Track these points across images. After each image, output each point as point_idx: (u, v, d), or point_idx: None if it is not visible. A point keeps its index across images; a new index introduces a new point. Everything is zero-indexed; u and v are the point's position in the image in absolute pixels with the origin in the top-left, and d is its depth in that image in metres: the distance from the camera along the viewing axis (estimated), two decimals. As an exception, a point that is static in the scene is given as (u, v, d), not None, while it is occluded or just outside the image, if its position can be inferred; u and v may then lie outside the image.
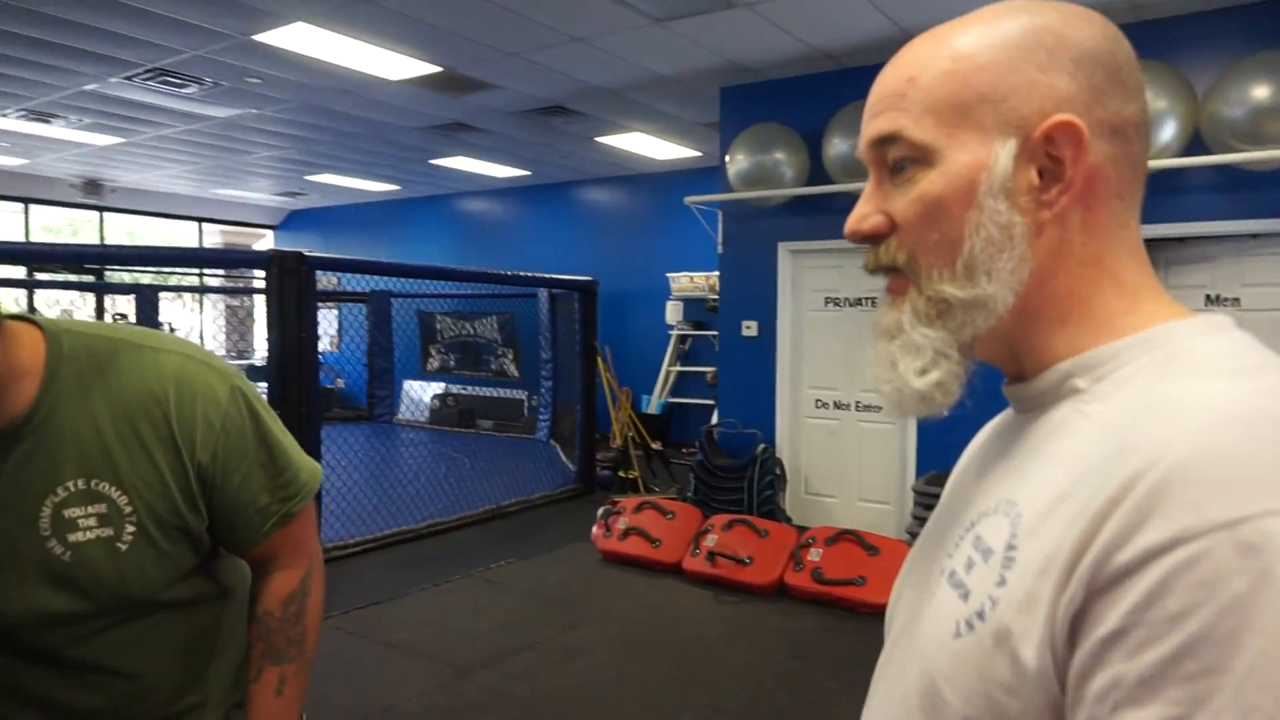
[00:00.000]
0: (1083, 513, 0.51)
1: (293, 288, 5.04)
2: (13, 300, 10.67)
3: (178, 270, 12.64)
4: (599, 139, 8.49)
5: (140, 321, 10.75)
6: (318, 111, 7.71)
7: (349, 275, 10.38)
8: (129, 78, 6.70)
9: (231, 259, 10.50)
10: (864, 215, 0.67)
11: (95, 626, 1.01)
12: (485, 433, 10.60)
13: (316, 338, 5.40)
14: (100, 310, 12.70)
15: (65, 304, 13.69)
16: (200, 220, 13.68)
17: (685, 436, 9.19)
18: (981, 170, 0.61)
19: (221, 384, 1.08)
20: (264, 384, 5.31)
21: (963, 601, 0.59)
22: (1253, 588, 0.44)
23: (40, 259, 9.08)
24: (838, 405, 6.01)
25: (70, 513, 0.98)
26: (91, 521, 0.98)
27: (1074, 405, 0.60)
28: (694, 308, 9.39)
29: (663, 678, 3.57)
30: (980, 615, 0.56)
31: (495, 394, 11.06)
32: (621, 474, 7.39)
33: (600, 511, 5.49)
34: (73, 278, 11.62)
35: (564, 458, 8.29)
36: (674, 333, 9.56)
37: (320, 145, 9.24)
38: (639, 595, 4.62)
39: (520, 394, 10.78)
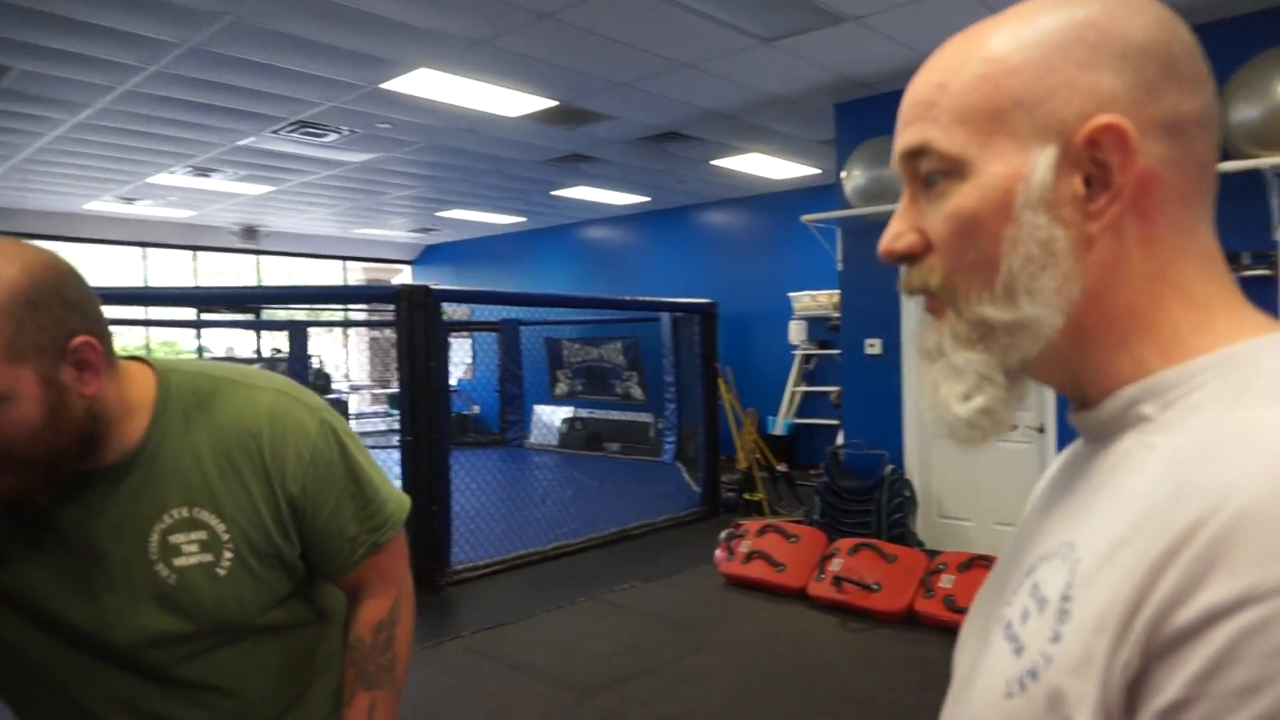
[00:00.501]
0: (1140, 562, 0.46)
1: (420, 319, 5.28)
2: (189, 336, 11.63)
3: (328, 306, 13.48)
4: (715, 162, 8.52)
5: (291, 353, 11.50)
6: (444, 151, 8.08)
7: (481, 306, 10.84)
8: (275, 131, 7.23)
9: (362, 294, 11.07)
10: (897, 234, 0.62)
11: (199, 647, 1.09)
12: (612, 455, 10.73)
13: (444, 367, 5.62)
14: (259, 345, 13.68)
15: (230, 341, 14.82)
16: (344, 259, 14.55)
17: (813, 458, 9.01)
18: (1018, 181, 0.56)
19: (311, 419, 1.14)
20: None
21: (1016, 657, 0.54)
22: None
23: (205, 301, 9.86)
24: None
25: (175, 539, 1.05)
26: (194, 548, 1.06)
27: (1140, 436, 0.54)
28: (817, 327, 9.23)
29: (783, 706, 3.49)
30: (1033, 674, 0.51)
31: (621, 417, 11.19)
32: (746, 496, 7.32)
33: (723, 534, 5.45)
34: (234, 316, 12.55)
35: (689, 480, 8.28)
36: (798, 353, 9.42)
37: (449, 182, 9.67)
38: (761, 620, 4.55)
39: (646, 417, 10.87)
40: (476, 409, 12.78)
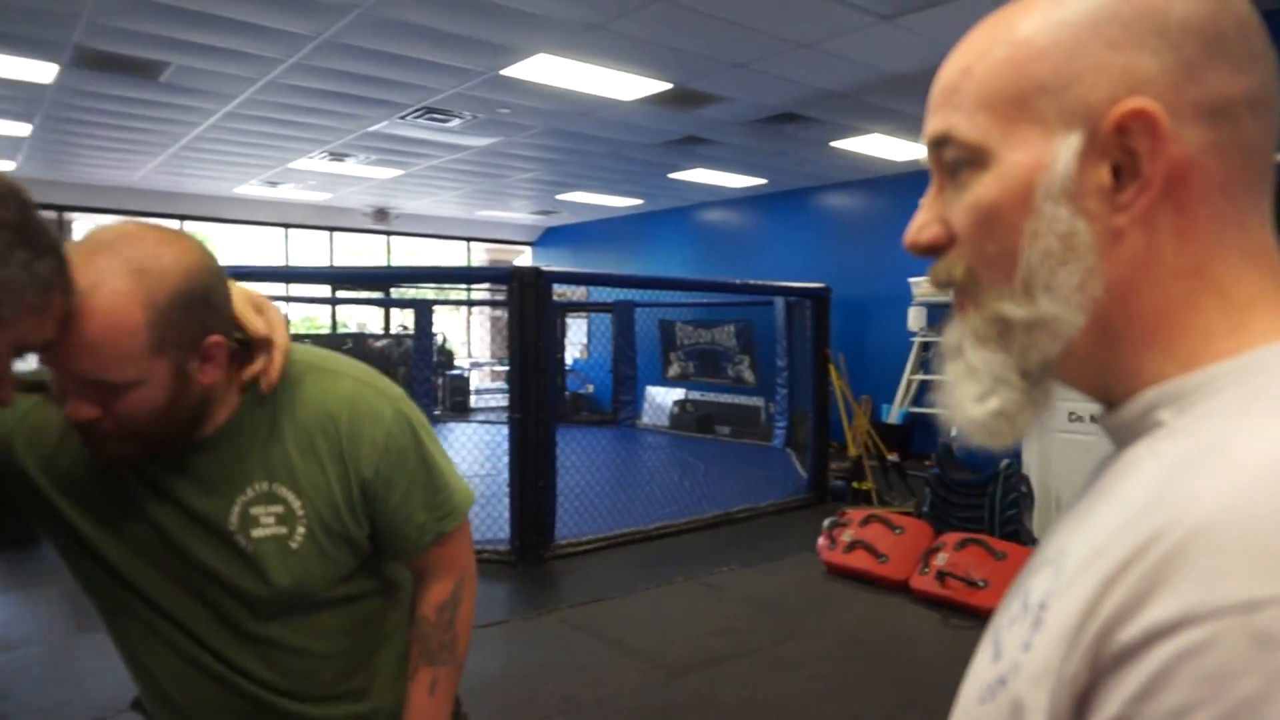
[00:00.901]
0: (1101, 573, 0.44)
1: (531, 300, 5.42)
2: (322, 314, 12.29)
3: (452, 286, 14.00)
4: (834, 143, 8.34)
5: (416, 330, 11.99)
6: (562, 135, 8.23)
7: (598, 287, 11.03)
8: (402, 117, 7.54)
9: (477, 275, 11.39)
10: (922, 225, 0.60)
11: (270, 610, 1.18)
12: (723, 438, 10.73)
13: (553, 346, 5.76)
14: (387, 322, 14.33)
15: (361, 318, 15.59)
16: (468, 240, 15.05)
17: (928, 448, 8.75)
18: (1039, 171, 0.53)
19: (388, 407, 1.21)
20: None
21: (993, 663, 0.53)
22: (1264, 691, 0.36)
23: (336, 280, 10.40)
24: (1094, 420, 5.45)
25: (255, 510, 1.15)
26: (270, 520, 1.15)
27: (1150, 442, 0.51)
28: (938, 313, 8.93)
29: (876, 698, 3.45)
30: (1003, 682, 0.50)
31: (733, 400, 11.17)
32: (855, 485, 7.19)
33: (826, 523, 5.38)
34: (365, 294, 13.19)
35: (798, 466, 8.20)
36: (916, 340, 9.15)
37: (567, 165, 9.84)
38: (860, 611, 4.49)
39: (757, 401, 10.81)
40: (591, 388, 13.01)
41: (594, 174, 10.33)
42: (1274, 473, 0.42)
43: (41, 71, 6.30)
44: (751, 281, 8.31)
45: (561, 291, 12.82)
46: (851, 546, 5.09)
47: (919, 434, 9.04)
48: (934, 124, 0.59)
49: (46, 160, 9.73)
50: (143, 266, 0.98)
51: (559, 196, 12.00)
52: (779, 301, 9.27)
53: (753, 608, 4.55)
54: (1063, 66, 0.53)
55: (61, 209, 11.77)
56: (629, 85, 6.48)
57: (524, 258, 15.66)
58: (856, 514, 5.35)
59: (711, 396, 11.44)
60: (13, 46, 5.77)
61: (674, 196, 11.76)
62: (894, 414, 9.19)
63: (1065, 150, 0.52)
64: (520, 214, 13.85)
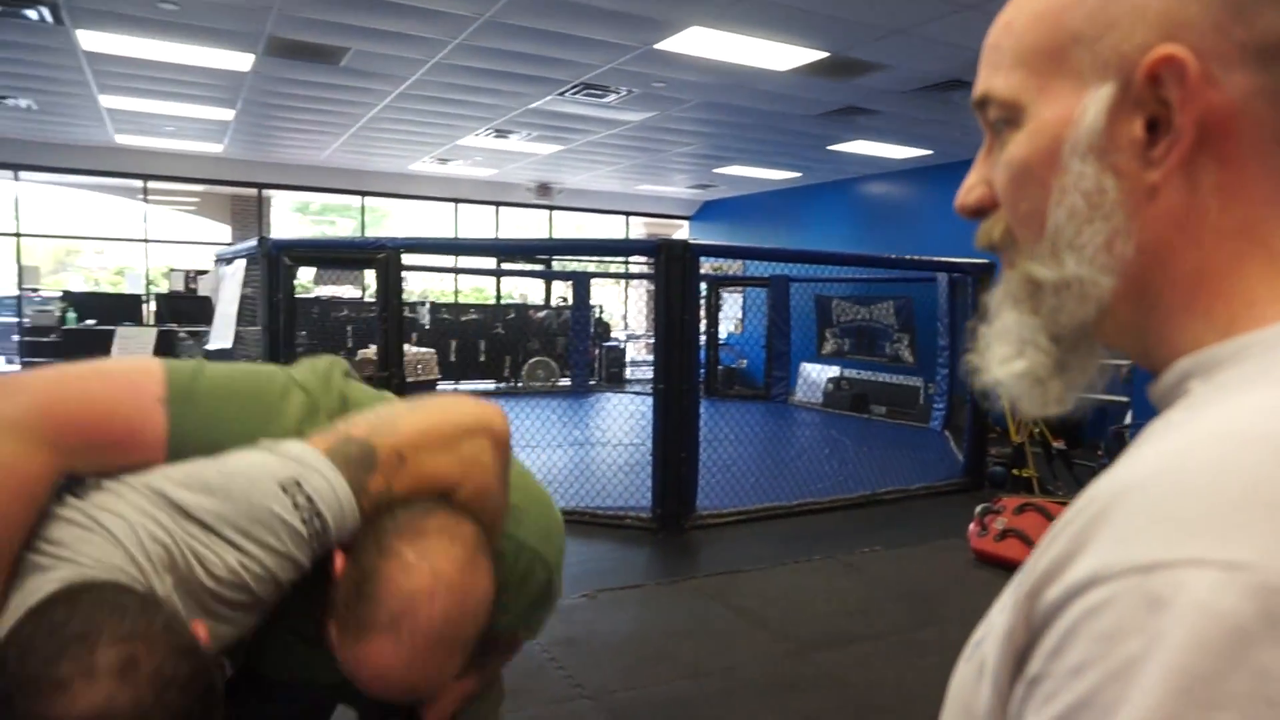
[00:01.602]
0: (1051, 536, 0.44)
1: (678, 273, 5.47)
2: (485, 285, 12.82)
3: (610, 259, 14.28)
4: (1005, 109, 7.87)
5: (575, 302, 12.33)
6: (717, 108, 8.19)
7: (755, 261, 10.94)
8: (561, 93, 7.74)
9: (624, 248, 11.51)
10: (969, 186, 0.60)
11: None
12: (877, 418, 10.45)
13: (699, 319, 5.80)
14: (548, 294, 14.81)
15: (524, 289, 16.18)
16: (628, 214, 15.29)
17: (1099, 436, 8.18)
18: (1067, 126, 0.50)
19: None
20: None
21: (983, 624, 0.53)
22: (1143, 653, 0.35)
23: (496, 251, 10.84)
24: None
25: None
26: None
27: (1169, 413, 0.49)
28: (1117, 292, 8.29)
29: (1015, 692, 3.30)
30: (979, 642, 0.51)
31: (889, 380, 10.83)
32: (1015, 472, 6.83)
33: (978, 509, 5.16)
34: (527, 266, 13.68)
35: (955, 450, 7.88)
36: (1092, 320, 8.54)
37: (723, 139, 9.79)
38: (1008, 602, 4.29)
39: (916, 381, 10.43)
40: (744, 363, 12.96)
41: (751, 147, 10.23)
42: (1214, 439, 0.41)
43: (240, 61, 6.91)
44: (913, 257, 8.00)
45: (718, 265, 12.80)
46: (1003, 535, 4.86)
47: (1092, 421, 8.45)
48: (977, 84, 0.58)
49: (247, 142, 10.66)
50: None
51: (716, 170, 11.96)
52: (942, 278, 8.88)
53: (892, 590, 4.45)
54: (1097, 14, 0.50)
55: (261, 186, 12.89)
56: (784, 55, 6.37)
57: (682, 232, 15.75)
58: (1011, 501, 5.10)
59: (867, 375, 11.15)
60: (215, 39, 6.36)
61: (833, 169, 11.47)
62: (1064, 399, 8.62)
63: (1094, 103, 0.50)
64: (678, 188, 13.91)
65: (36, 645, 0.77)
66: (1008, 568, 4.74)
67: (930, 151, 9.97)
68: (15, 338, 11.65)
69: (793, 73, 6.81)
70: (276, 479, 0.94)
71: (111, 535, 0.89)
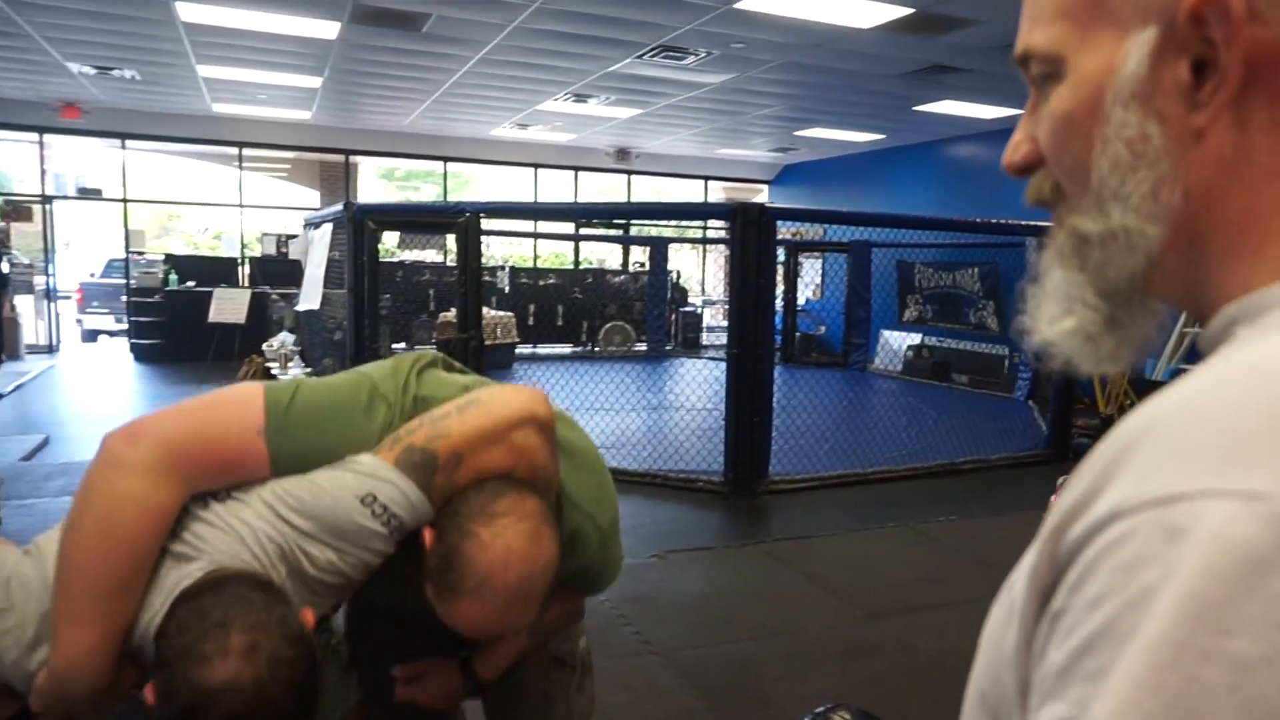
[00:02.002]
0: (1076, 476, 0.44)
1: (754, 237, 5.42)
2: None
3: (689, 224, 14.22)
4: (1103, 65, 7.50)
5: (652, 267, 12.32)
6: (798, 68, 8.02)
7: (836, 226, 10.74)
8: (640, 56, 7.70)
9: (699, 211, 11.42)
10: (1015, 144, 0.59)
11: None
12: (959, 387, 10.21)
13: (774, 285, 5.75)
14: (626, 258, 14.84)
15: (601, 254, 16.26)
16: (706, 179, 15.16)
17: (1197, 410, 7.83)
18: (1109, 74, 0.49)
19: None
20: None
21: (1018, 565, 0.53)
22: (1159, 582, 0.36)
23: (571, 215, 10.91)
24: None
25: None
26: None
27: (1211, 360, 0.48)
28: (1221, 258, 7.87)
29: (1091, 666, 3.23)
30: (1012, 585, 0.51)
31: (973, 348, 10.55)
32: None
33: (1060, 480, 5.02)
34: (605, 231, 13.73)
35: (1040, 420, 7.66)
36: (1192, 287, 8.14)
37: (805, 100, 9.60)
38: (1088, 576, 4.19)
39: (1001, 350, 10.14)
40: (823, 329, 12.80)
41: (833, 108, 10.00)
42: (1237, 374, 0.40)
43: (327, 29, 7.07)
44: (1000, 221, 7.74)
45: (798, 230, 12.62)
46: (1086, 507, 4.73)
47: (1188, 393, 8.09)
48: (1018, 40, 0.57)
49: (334, 109, 10.94)
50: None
51: (797, 133, 11.75)
52: (1030, 243, 8.58)
53: (966, 560, 4.38)
54: None
55: (347, 153, 13.22)
56: (867, 12, 6.19)
57: (761, 196, 15.55)
58: (1095, 473, 4.95)
59: (950, 343, 10.88)
60: (303, 8, 6.52)
61: (919, 130, 11.13)
62: (1160, 369, 8.26)
63: (1136, 49, 0.48)
64: (758, 151, 13.72)
65: (189, 626, 1.02)
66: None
67: (1021, 111, 9.54)
68: (123, 298, 12.30)
69: (877, 30, 6.61)
70: (356, 494, 1.16)
71: (238, 535, 1.14)
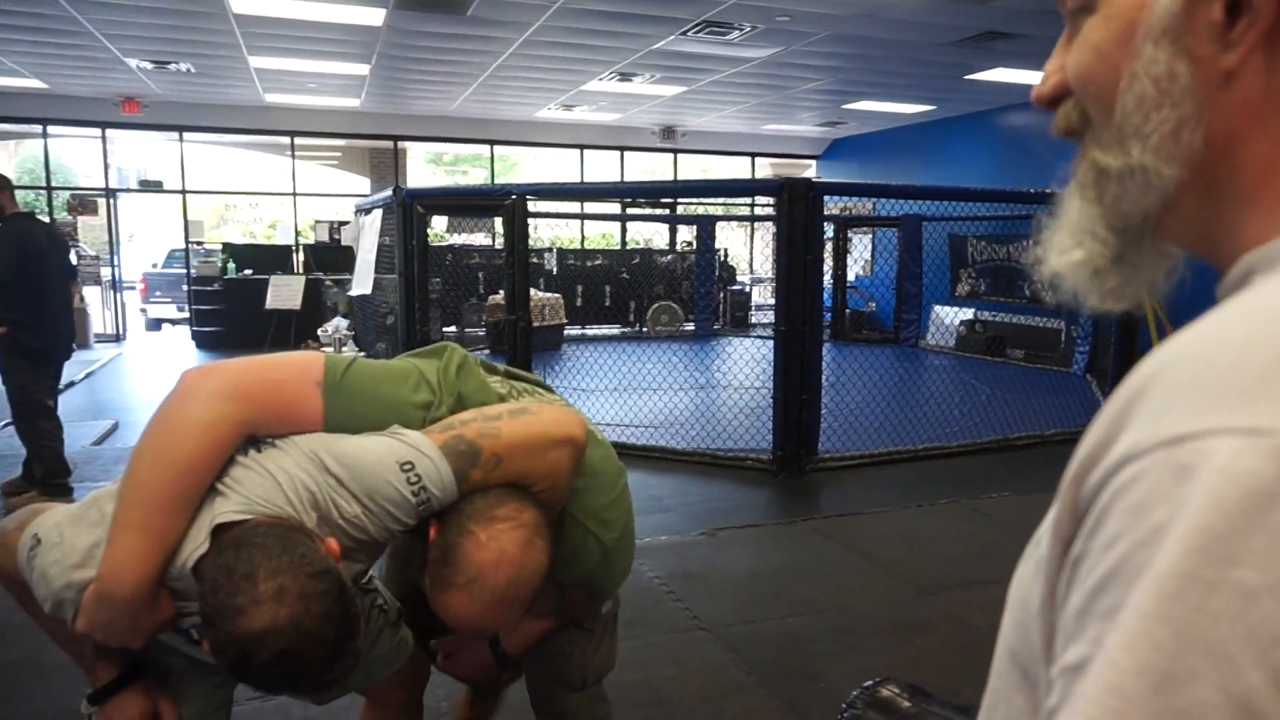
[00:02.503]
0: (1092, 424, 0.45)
1: (800, 212, 5.37)
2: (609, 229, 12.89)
3: (735, 201, 14.12)
4: (1164, 26, 7.23)
5: (698, 246, 12.25)
6: (845, 40, 7.89)
7: (886, 200, 10.57)
8: (684, 33, 7.64)
9: (745, 187, 11.31)
10: (1046, 75, 0.59)
11: None
12: (1014, 362, 10.01)
13: (823, 260, 5.68)
14: (673, 237, 14.80)
15: (648, 234, 16.23)
16: (753, 155, 15.01)
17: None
18: (1142, 9, 0.49)
19: None
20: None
21: (1044, 521, 0.53)
22: (1169, 519, 0.36)
23: (617, 195, 10.91)
24: None
25: None
26: None
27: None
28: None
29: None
30: (1038, 540, 0.51)
31: (1029, 322, 10.33)
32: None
33: (1118, 455, 4.92)
34: (651, 211, 13.68)
35: (1098, 395, 7.49)
36: (1260, 255, 7.85)
37: (853, 73, 9.44)
38: (1147, 552, 4.10)
39: (1057, 323, 9.91)
40: (873, 306, 12.64)
41: (882, 80, 9.82)
42: (1244, 315, 0.41)
43: (372, 16, 7.15)
44: (1056, 190, 7.54)
45: (847, 206, 12.44)
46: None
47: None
48: None
49: (382, 96, 11.07)
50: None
51: (846, 106, 11.56)
52: (1087, 213, 8.36)
53: (1019, 535, 4.28)
54: None
55: (395, 139, 13.37)
56: (915, -21, 6.05)
57: (809, 172, 15.35)
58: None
59: (1004, 317, 10.66)
60: (350, -6, 6.60)
61: (970, 100, 10.87)
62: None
63: None
64: (806, 126, 13.54)
65: (220, 585, 1.09)
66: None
67: (1078, 77, 9.30)
68: (184, 287, 12.66)
69: (925, -2, 6.47)
70: (397, 459, 1.24)
71: (274, 479, 1.21)
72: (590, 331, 12.21)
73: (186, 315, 12.67)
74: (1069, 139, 0.59)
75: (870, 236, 12.67)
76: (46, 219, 9.42)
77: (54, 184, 12.52)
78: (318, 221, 12.86)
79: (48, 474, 4.72)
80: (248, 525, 1.16)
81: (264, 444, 1.26)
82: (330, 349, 7.81)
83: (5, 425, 5.98)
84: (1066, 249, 0.56)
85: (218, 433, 1.20)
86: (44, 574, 1.18)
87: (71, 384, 8.12)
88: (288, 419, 1.27)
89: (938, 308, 11.59)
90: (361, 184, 15.29)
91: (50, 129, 11.94)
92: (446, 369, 1.43)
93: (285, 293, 10.39)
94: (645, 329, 12.40)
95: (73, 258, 10.36)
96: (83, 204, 12.34)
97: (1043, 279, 0.59)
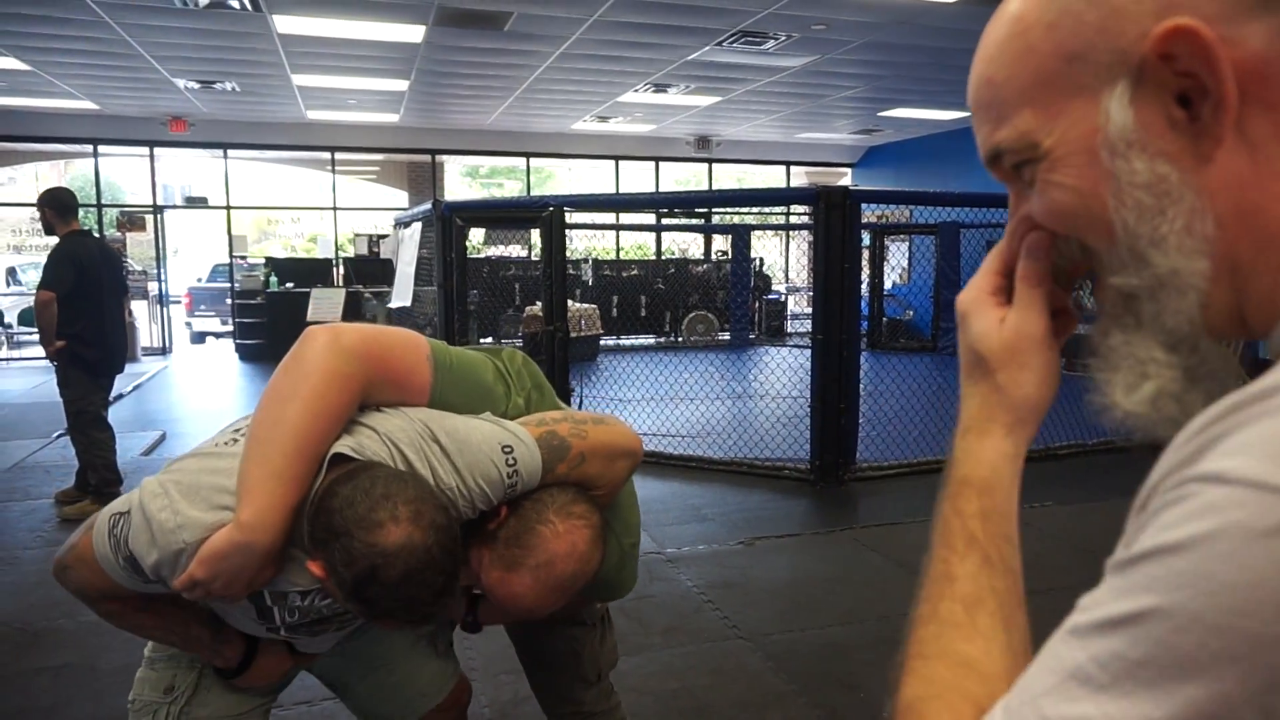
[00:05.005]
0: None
1: (838, 221, 5.35)
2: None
3: (771, 211, 14.09)
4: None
5: (734, 255, 12.24)
6: (880, 48, 7.87)
7: (923, 208, 10.48)
8: (719, 43, 7.68)
9: (781, 197, 11.27)
10: (1026, 244, 0.59)
11: None
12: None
13: (860, 268, 5.66)
14: (708, 247, 14.80)
15: (683, 244, 16.25)
16: (788, 164, 14.98)
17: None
18: (1096, 135, 0.50)
19: None
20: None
21: None
22: (1191, 533, 0.37)
23: (660, 205, 10.93)
24: None
25: None
26: None
27: None
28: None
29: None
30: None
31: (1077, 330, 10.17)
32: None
33: (1165, 465, 4.83)
34: (686, 221, 13.71)
35: (1142, 403, 7.35)
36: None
37: (889, 80, 9.40)
38: (1196, 563, 4.01)
39: (1100, 331, 9.75)
40: (910, 314, 12.53)
41: (918, 87, 9.77)
42: None
43: (412, 33, 7.28)
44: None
45: (884, 213, 12.37)
46: (1193, 492, 4.54)
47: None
48: (983, 146, 0.58)
49: (420, 111, 11.24)
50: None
51: (881, 114, 11.51)
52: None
53: (1062, 545, 4.26)
54: (1078, 29, 0.50)
55: (433, 152, 13.56)
56: (951, -14, 6.03)
57: (845, 180, 15.29)
58: (1204, 457, 4.74)
59: (1046, 325, 10.50)
60: (390, 13, 6.73)
61: (1009, 106, 10.76)
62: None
63: (1114, 105, 0.49)
64: (841, 134, 13.49)
65: (356, 500, 1.12)
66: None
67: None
68: (228, 301, 12.93)
69: (962, 3, 6.44)
70: (500, 441, 1.32)
71: (379, 438, 1.26)
72: (626, 342, 12.25)
73: (230, 328, 12.93)
74: (1083, 278, 0.59)
75: (907, 244, 12.57)
76: (98, 236, 9.70)
77: (104, 202, 12.88)
78: (357, 235, 13.07)
79: (101, 482, 4.85)
80: (368, 465, 1.19)
81: (371, 409, 1.31)
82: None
83: (60, 435, 6.16)
84: (1133, 385, 0.53)
85: (351, 385, 1.24)
86: (148, 528, 1.16)
87: (120, 396, 8.32)
88: (401, 386, 1.33)
89: (976, 316, 11.45)
90: (400, 198, 15.52)
91: (101, 149, 12.29)
92: (512, 362, 1.53)
93: (326, 305, 10.56)
94: (680, 339, 12.41)
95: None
96: (131, 221, 12.67)
97: (1116, 424, 0.56)
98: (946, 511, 0.61)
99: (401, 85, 9.52)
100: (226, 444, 1.26)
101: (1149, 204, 0.49)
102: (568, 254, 6.50)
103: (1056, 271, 0.60)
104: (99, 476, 4.85)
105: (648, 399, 7.14)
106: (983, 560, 0.59)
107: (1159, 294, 0.50)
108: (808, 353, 5.66)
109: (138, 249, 14.20)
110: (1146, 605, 0.39)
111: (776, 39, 7.55)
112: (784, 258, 16.22)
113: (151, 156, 12.45)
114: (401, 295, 7.81)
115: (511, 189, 19.95)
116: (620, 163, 13.98)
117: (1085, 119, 0.50)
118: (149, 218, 12.75)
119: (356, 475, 1.15)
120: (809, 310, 14.75)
